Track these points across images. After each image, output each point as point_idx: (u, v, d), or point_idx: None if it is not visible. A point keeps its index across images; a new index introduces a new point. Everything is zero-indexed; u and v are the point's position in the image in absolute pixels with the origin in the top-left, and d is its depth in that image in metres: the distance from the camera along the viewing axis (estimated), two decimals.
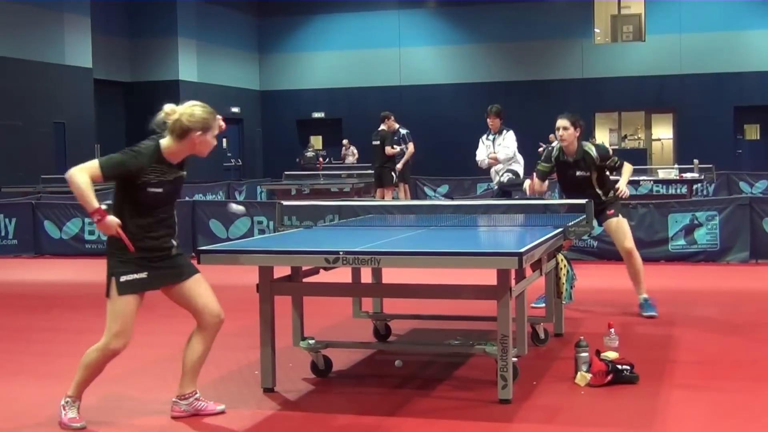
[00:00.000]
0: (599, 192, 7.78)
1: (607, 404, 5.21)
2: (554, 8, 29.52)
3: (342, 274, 5.93)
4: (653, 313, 7.75)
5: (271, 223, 12.35)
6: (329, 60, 31.14)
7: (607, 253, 11.32)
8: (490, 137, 11.87)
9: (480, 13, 29.70)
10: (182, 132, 4.73)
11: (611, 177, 8.09)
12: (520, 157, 11.94)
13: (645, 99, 29.00)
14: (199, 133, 4.74)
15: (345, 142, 27.13)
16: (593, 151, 7.75)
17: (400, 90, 29.97)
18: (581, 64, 29.29)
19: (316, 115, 31.61)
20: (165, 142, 4.76)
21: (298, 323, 5.88)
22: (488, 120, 11.82)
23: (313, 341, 5.84)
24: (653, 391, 5.40)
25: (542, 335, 6.73)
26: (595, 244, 11.39)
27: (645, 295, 7.89)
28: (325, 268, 5.58)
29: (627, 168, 8.00)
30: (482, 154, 11.90)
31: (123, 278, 4.69)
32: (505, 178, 11.68)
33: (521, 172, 11.78)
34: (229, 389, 5.68)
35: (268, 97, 32.13)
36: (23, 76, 21.99)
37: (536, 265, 6.09)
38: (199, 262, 5.26)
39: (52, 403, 5.18)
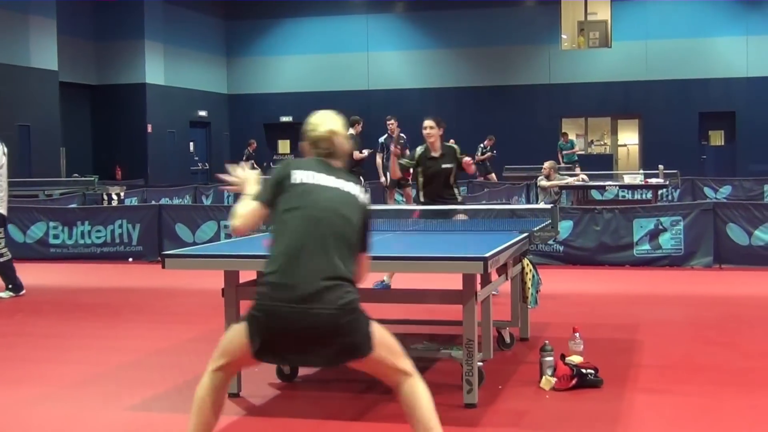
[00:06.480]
0: (452, 183, 8.78)
1: (571, 408, 5.23)
2: (521, 14, 29.69)
3: None
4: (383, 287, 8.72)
5: None
6: (297, 64, 31.09)
7: (573, 257, 11.42)
8: None
9: (448, 19, 29.79)
10: None
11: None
12: (4, 185, 9.49)
13: (611, 105, 29.22)
14: None
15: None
16: (455, 146, 8.99)
17: (368, 94, 29.97)
18: (548, 69, 29.46)
19: (284, 119, 31.52)
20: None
21: None
22: None
23: None
24: (617, 395, 5.43)
25: (508, 339, 6.76)
26: (561, 248, 11.46)
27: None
28: None
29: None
30: None
31: None
32: None
33: (4, 210, 9.50)
34: (194, 394, 5.63)
35: (236, 100, 32.01)
36: None
37: (502, 270, 6.12)
38: (164, 267, 5.24)
39: (12, 408, 5.12)
